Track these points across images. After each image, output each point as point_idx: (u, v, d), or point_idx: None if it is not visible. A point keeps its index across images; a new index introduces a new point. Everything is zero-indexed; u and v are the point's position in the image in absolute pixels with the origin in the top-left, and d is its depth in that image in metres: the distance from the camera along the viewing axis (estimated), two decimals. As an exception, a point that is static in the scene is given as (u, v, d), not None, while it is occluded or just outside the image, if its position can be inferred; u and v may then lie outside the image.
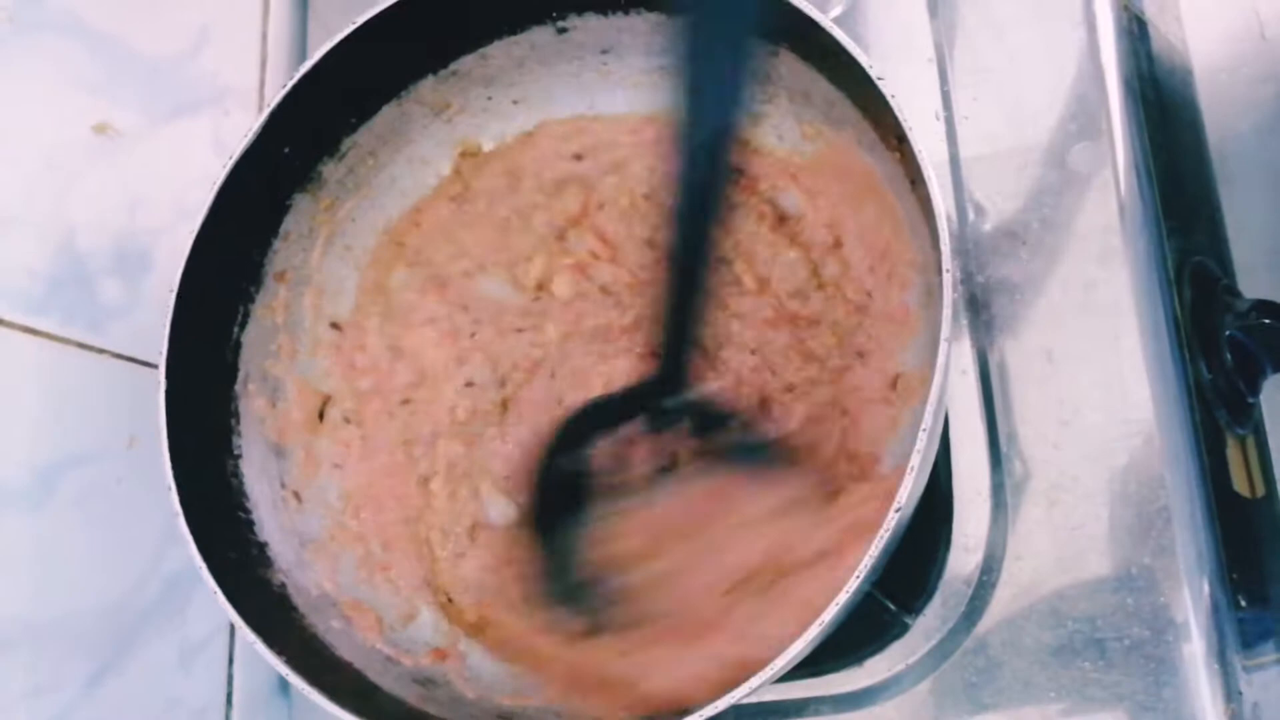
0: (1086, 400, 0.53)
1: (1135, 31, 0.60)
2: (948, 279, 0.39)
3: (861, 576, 0.37)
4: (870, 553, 0.37)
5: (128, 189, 0.57)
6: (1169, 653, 0.49)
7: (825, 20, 0.43)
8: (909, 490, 0.38)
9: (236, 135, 0.64)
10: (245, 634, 0.43)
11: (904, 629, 0.52)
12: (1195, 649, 0.49)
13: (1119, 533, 0.51)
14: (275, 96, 0.48)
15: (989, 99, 0.58)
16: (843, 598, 0.38)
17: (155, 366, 0.52)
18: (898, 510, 0.38)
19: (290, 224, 0.54)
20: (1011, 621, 0.51)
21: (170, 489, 0.45)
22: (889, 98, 0.41)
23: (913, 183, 0.44)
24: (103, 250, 0.55)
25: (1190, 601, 0.50)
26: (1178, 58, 0.65)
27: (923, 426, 0.38)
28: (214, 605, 0.43)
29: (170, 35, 0.62)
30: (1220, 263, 0.62)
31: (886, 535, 0.37)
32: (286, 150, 0.51)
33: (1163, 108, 0.61)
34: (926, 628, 0.52)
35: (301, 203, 0.54)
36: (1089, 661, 0.50)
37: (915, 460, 0.38)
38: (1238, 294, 0.59)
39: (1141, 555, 0.50)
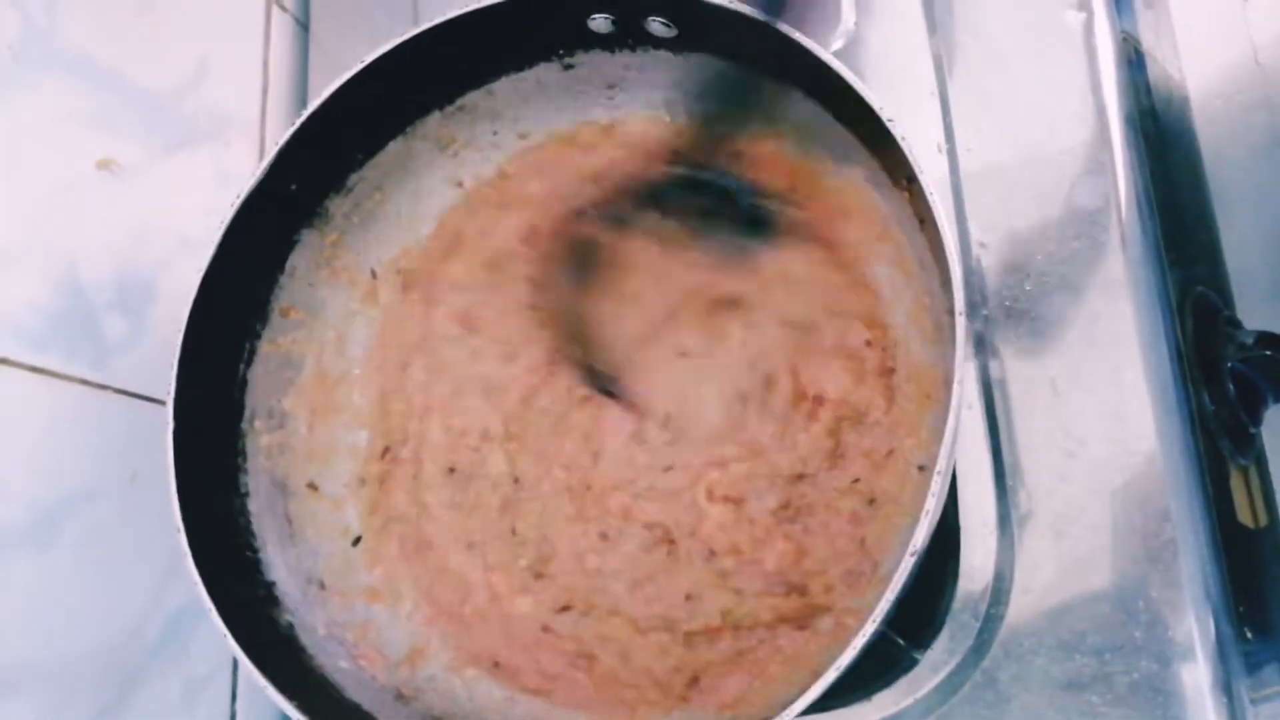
0: (1092, 432, 0.53)
1: (1133, 61, 0.61)
2: (961, 321, 0.39)
3: (878, 621, 0.37)
4: (886, 597, 0.37)
5: (130, 223, 0.57)
6: (1176, 685, 0.49)
7: (834, 61, 0.43)
8: (924, 533, 0.38)
9: (239, 166, 0.65)
10: (255, 678, 0.42)
11: (912, 663, 0.52)
12: (1202, 681, 0.49)
13: (1125, 565, 0.51)
14: (283, 133, 0.48)
15: (991, 131, 0.58)
16: (859, 640, 0.38)
17: (158, 402, 0.52)
18: (914, 555, 0.37)
19: (296, 259, 0.53)
20: (1019, 655, 0.51)
21: (179, 530, 0.44)
22: (899, 139, 0.41)
23: (921, 222, 0.44)
24: (106, 284, 0.55)
25: (1197, 634, 0.49)
26: (1175, 87, 0.66)
27: (937, 470, 0.38)
28: (217, 642, 0.43)
29: (171, 67, 0.62)
30: (1220, 293, 0.62)
31: (902, 580, 0.37)
32: (294, 187, 0.51)
33: (1161, 138, 0.61)
34: (934, 662, 0.51)
35: (308, 238, 0.54)
36: (1097, 695, 0.50)
37: (930, 504, 0.38)
38: (1239, 325, 0.59)
39: (1148, 587, 0.50)
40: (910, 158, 0.41)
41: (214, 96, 0.64)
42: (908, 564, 0.37)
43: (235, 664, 0.59)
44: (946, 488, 0.40)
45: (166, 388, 0.47)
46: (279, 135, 0.66)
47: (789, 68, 0.47)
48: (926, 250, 0.46)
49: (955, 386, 0.39)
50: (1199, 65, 0.68)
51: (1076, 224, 0.56)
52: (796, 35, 0.45)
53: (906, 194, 0.45)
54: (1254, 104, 0.68)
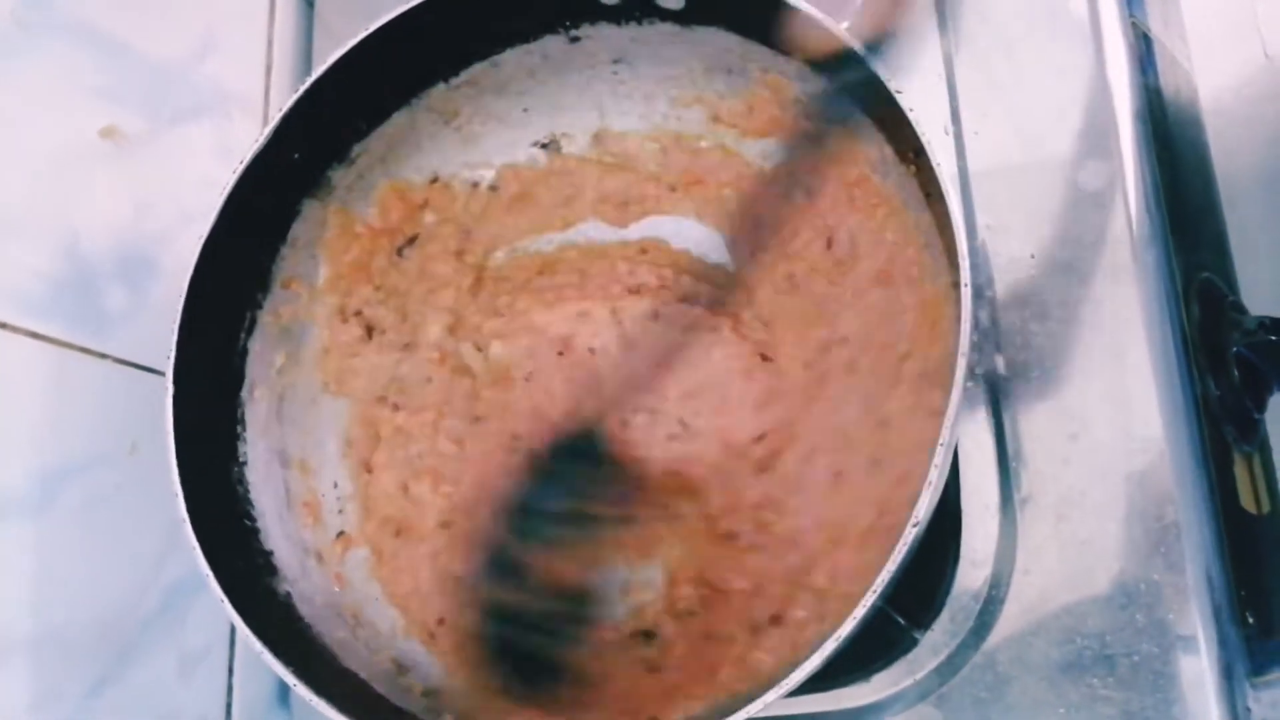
0: (1095, 416, 0.53)
1: (1141, 48, 0.60)
2: (966, 293, 0.39)
3: (878, 592, 0.37)
4: (887, 568, 0.37)
5: (133, 194, 0.57)
6: (1177, 669, 0.49)
7: (844, 33, 0.43)
8: (926, 505, 0.38)
9: (241, 141, 0.64)
10: (252, 644, 0.42)
11: (912, 644, 0.51)
12: (1204, 666, 0.49)
13: (1127, 548, 0.51)
14: (287, 101, 0.48)
15: (998, 114, 0.58)
16: (859, 611, 0.37)
17: (158, 373, 0.52)
18: (915, 525, 0.37)
19: (299, 230, 0.53)
20: (1020, 637, 0.51)
21: (176, 495, 0.44)
22: (907, 111, 0.41)
23: (928, 196, 0.44)
24: (107, 255, 0.55)
25: (1199, 618, 0.49)
26: (1182, 75, 0.66)
27: (940, 441, 0.38)
28: (214, 614, 0.43)
29: (176, 39, 0.61)
30: (1226, 279, 0.62)
31: (904, 550, 0.37)
32: (296, 156, 0.51)
33: (1168, 124, 0.61)
34: (934, 643, 0.51)
35: (310, 209, 0.53)
36: (1097, 678, 0.49)
37: (933, 475, 0.38)
38: (1244, 311, 0.59)
39: (1150, 571, 0.50)
40: (918, 130, 0.41)
41: (218, 70, 0.64)
42: (909, 535, 0.37)
43: (233, 636, 0.59)
44: (949, 460, 0.40)
45: (166, 357, 0.46)
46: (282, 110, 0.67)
47: (797, 41, 0.47)
48: (935, 231, 0.46)
49: (960, 359, 0.39)
50: (1207, 54, 0.67)
51: (1082, 208, 0.55)
52: (806, 8, 0.45)
53: (914, 168, 0.45)
54: (1263, 95, 0.68)
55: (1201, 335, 0.55)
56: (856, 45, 0.43)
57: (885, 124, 0.46)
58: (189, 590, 0.55)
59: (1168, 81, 0.62)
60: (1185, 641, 0.49)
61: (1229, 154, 0.66)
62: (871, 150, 0.48)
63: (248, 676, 0.59)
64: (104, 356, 0.53)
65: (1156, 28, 0.62)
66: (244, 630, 0.42)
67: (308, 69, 0.69)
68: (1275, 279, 0.64)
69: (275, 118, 0.48)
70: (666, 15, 0.50)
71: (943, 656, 0.51)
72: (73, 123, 0.54)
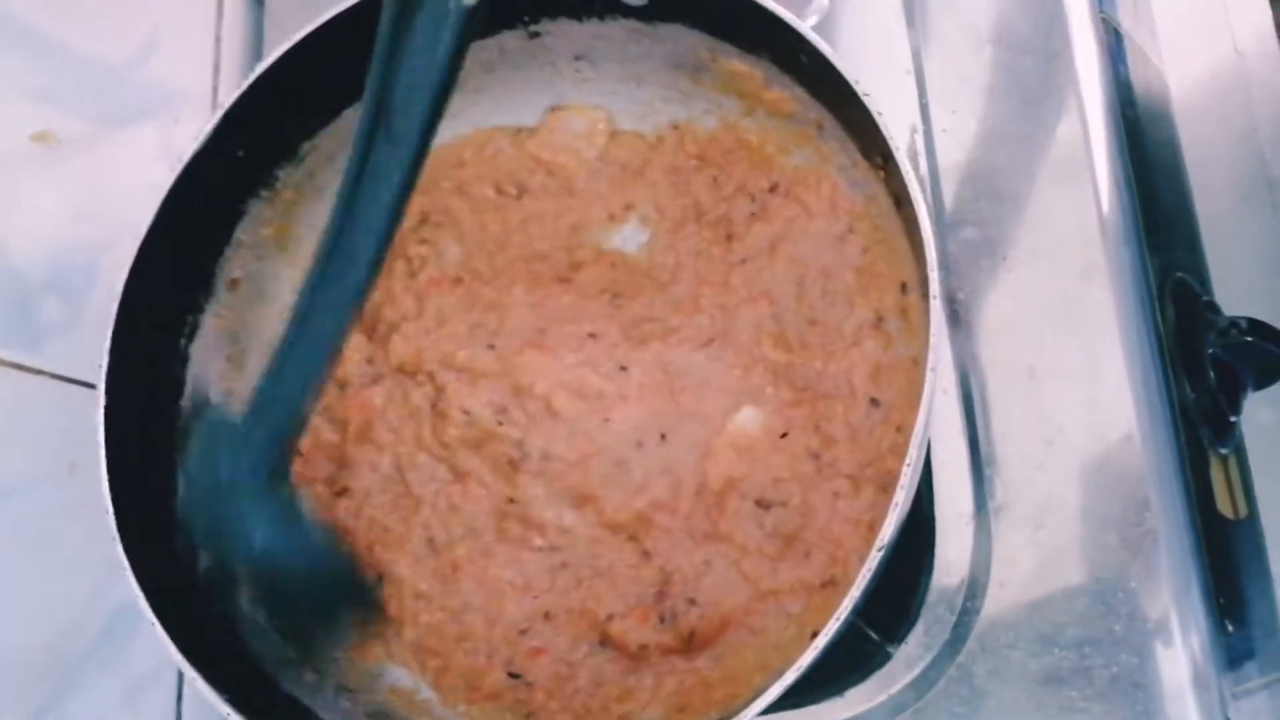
0: (1070, 420, 0.51)
1: (1112, 43, 0.59)
2: (935, 305, 0.38)
3: (841, 619, 0.35)
4: (851, 594, 0.35)
5: (70, 201, 0.55)
6: (1156, 679, 0.48)
7: (809, 31, 0.41)
8: (893, 527, 0.36)
9: (188, 143, 0.62)
10: (187, 671, 0.40)
11: (885, 658, 0.50)
12: (1182, 675, 0.48)
13: (1104, 556, 0.49)
14: (231, 96, 0.46)
15: (967, 112, 0.57)
16: (821, 641, 0.36)
17: (94, 387, 0.49)
18: (880, 550, 0.36)
19: (244, 231, 0.51)
20: (996, 650, 0.50)
21: (108, 512, 0.42)
22: (875, 115, 0.40)
23: (898, 202, 0.43)
24: (41, 266, 0.52)
25: (1177, 627, 0.48)
26: (1153, 71, 0.65)
27: (906, 462, 0.36)
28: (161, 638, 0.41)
29: (118, 39, 0.59)
30: (1199, 279, 0.61)
31: (869, 574, 0.36)
32: (241, 153, 0.48)
33: (1140, 123, 0.60)
34: (909, 656, 0.50)
35: (256, 208, 0.51)
36: (1076, 690, 0.48)
37: (899, 496, 0.36)
38: (1218, 311, 0.58)
39: (1128, 579, 0.49)
40: (886, 134, 0.40)
41: (163, 70, 0.62)
42: (874, 559, 0.35)
43: (179, 660, 0.56)
44: (916, 479, 0.39)
45: (99, 367, 0.44)
46: (232, 111, 0.65)
47: (762, 40, 0.45)
48: (902, 236, 0.45)
49: (928, 373, 0.37)
50: (1178, 51, 0.67)
51: (1055, 206, 0.54)
52: (771, 5, 0.43)
53: (882, 173, 0.44)
54: (1232, 92, 0.67)
55: (1177, 337, 0.54)
56: (823, 44, 0.41)
57: (853, 127, 0.45)
58: (134, 614, 0.52)
59: (1138, 78, 0.61)
60: (1164, 651, 0.48)
61: (1200, 152, 0.65)
62: (839, 153, 0.46)
63: (197, 703, 0.56)
64: (39, 372, 0.51)
65: (1127, 23, 0.61)
66: (178, 659, 0.40)
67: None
68: (1247, 278, 0.63)
69: (218, 113, 0.46)
70: (630, 11, 0.49)
71: (917, 670, 0.50)
72: (4, 127, 0.51)
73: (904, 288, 0.47)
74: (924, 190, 0.55)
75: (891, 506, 0.36)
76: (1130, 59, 0.61)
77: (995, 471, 0.52)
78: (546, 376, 0.49)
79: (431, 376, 0.51)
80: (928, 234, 0.40)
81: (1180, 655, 0.48)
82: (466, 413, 0.50)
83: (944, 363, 0.53)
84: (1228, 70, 0.67)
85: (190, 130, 0.62)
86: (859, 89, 0.40)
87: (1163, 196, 0.60)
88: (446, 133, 0.54)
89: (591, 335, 0.50)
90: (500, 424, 0.50)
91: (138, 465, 0.45)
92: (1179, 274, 0.57)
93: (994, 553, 0.51)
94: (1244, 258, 0.64)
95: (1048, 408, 0.52)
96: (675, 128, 0.54)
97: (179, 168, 0.46)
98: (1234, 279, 0.62)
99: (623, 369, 0.50)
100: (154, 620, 0.40)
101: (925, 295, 0.40)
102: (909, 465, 0.36)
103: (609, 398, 0.49)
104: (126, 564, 0.41)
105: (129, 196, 0.57)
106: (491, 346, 0.51)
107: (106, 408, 0.43)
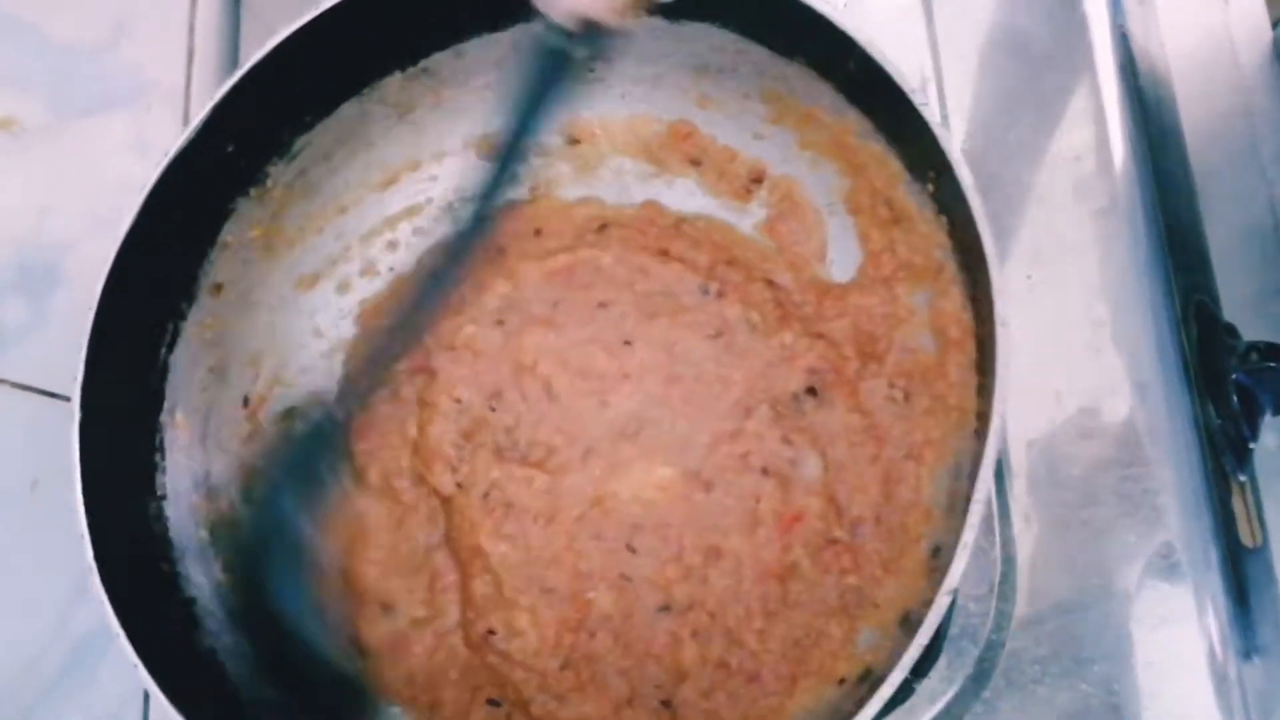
0: (1097, 449, 0.50)
1: (1126, 52, 0.58)
2: (1002, 334, 0.35)
3: (906, 670, 0.33)
4: (917, 642, 0.33)
5: (35, 194, 0.51)
6: (1185, 712, 0.47)
7: (855, 29, 0.39)
8: (961, 568, 0.34)
9: (160, 135, 0.58)
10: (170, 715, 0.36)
11: (908, 693, 0.48)
12: (1211, 707, 0.47)
13: (1132, 589, 0.48)
14: (224, 85, 0.42)
15: (981, 136, 0.55)
16: (886, 691, 0.33)
17: (62, 398, 0.46)
18: (950, 594, 0.34)
19: (230, 232, 0.47)
20: (1022, 684, 0.48)
21: (83, 538, 0.38)
22: (932, 125, 0.37)
23: (951, 221, 0.40)
24: (4, 264, 0.48)
25: (1205, 660, 0.47)
26: (1162, 83, 0.64)
27: (976, 498, 0.34)
28: (127, 671, 0.37)
29: (87, 24, 0.56)
30: (1212, 300, 0.60)
31: (938, 619, 0.33)
32: (230, 149, 0.45)
33: (1154, 138, 0.59)
34: (932, 691, 0.48)
35: (244, 208, 0.48)
36: (1104, 727, 0.46)
37: (968, 536, 0.34)
38: (1237, 335, 0.57)
39: (1155, 612, 0.48)
40: (945, 144, 0.37)
41: (134, 57, 0.58)
42: (943, 604, 0.33)
43: (147, 695, 0.52)
44: (982, 516, 0.36)
45: (72, 380, 0.40)
46: (205, 102, 0.60)
47: (797, 39, 0.43)
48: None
49: (996, 403, 0.35)
50: (1182, 60, 0.66)
51: (1082, 224, 0.53)
52: (812, 2, 0.40)
53: (931, 187, 0.41)
54: (1233, 104, 0.66)
55: (1201, 360, 0.53)
56: (871, 44, 0.39)
57: (898, 138, 0.42)
58: (100, 645, 0.49)
59: (1146, 82, 0.60)
60: (1191, 683, 0.47)
61: (1207, 169, 0.64)
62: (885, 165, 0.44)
63: (163, 737, 0.52)
64: (0, 381, 0.46)
65: (1135, 28, 0.60)
66: (160, 699, 0.36)
67: (234, 56, 0.63)
68: (1257, 298, 0.62)
69: (208, 106, 0.42)
70: (655, 8, 0.45)
71: (941, 705, 0.48)
72: (-37, 111, 0.47)
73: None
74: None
75: (961, 547, 0.34)
76: (1139, 65, 0.60)
77: (1019, 500, 0.50)
78: (550, 355, 0.48)
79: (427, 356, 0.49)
80: (991, 251, 0.38)
81: (1209, 689, 0.47)
82: (458, 400, 0.48)
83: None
84: (1229, 87, 0.66)
85: (163, 121, 0.59)
86: (914, 97, 0.37)
87: (1179, 213, 0.59)
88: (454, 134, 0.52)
89: (602, 304, 0.49)
90: (493, 409, 0.48)
91: (114, 485, 0.41)
92: (1198, 296, 0.56)
93: (1019, 584, 0.49)
94: (1251, 278, 0.63)
95: (1073, 434, 0.50)
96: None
97: (164, 162, 0.42)
98: (1242, 300, 0.61)
99: (627, 343, 0.48)
100: (136, 661, 0.36)
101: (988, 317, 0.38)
102: (978, 501, 0.34)
103: (610, 377, 0.48)
104: (105, 598, 0.37)
105: (96, 191, 0.53)
106: (501, 323, 0.49)
107: (81, 423, 0.39)
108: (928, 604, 0.40)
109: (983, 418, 0.39)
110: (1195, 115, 0.65)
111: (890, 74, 0.38)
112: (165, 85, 0.60)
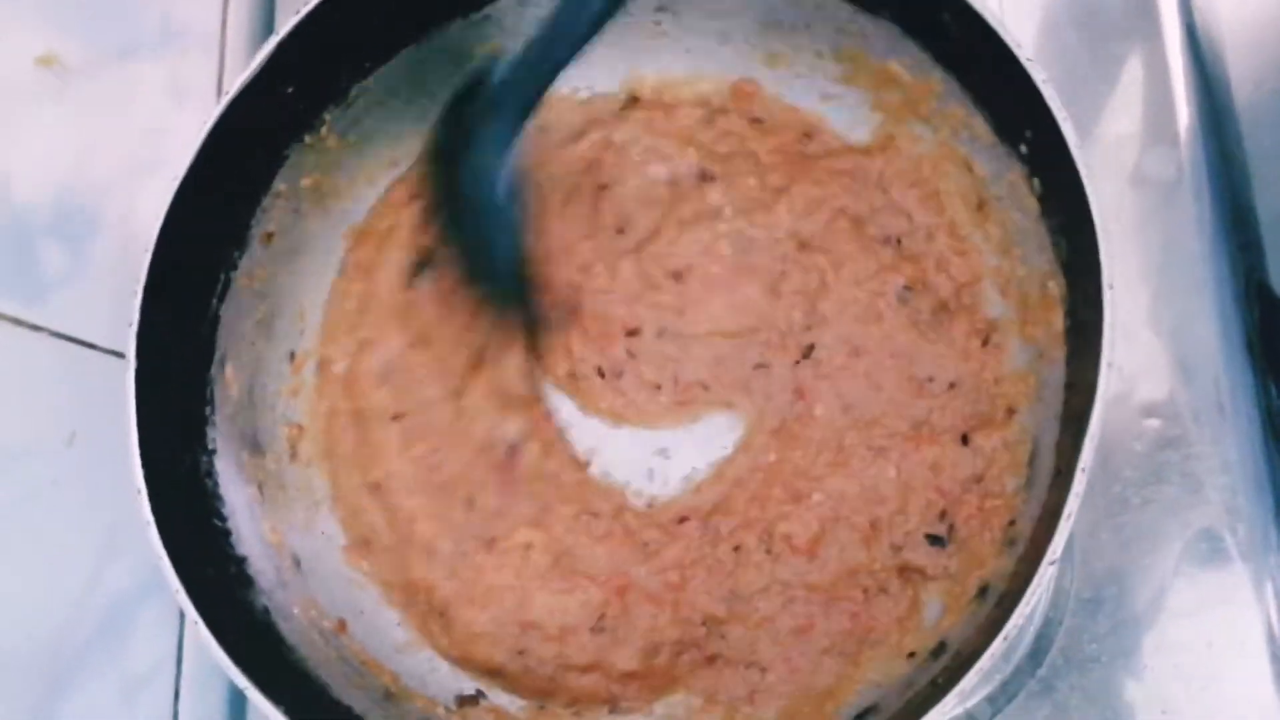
0: (1158, 424, 0.49)
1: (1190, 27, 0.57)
2: (1109, 296, 0.34)
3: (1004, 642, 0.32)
4: (1020, 611, 0.33)
5: (74, 135, 0.49)
6: (1247, 703, 0.46)
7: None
8: (1064, 538, 0.33)
9: (195, 81, 0.56)
10: (239, 680, 0.34)
11: (963, 670, 0.47)
12: (1270, 689, 0.46)
13: (1193, 568, 0.48)
14: (284, 27, 0.40)
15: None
16: (984, 663, 0.33)
17: (100, 349, 0.44)
18: (1052, 563, 0.33)
19: (283, 180, 0.46)
20: (1079, 664, 0.48)
21: (140, 492, 0.37)
22: (1040, 84, 0.36)
23: (1043, 179, 0.39)
24: (43, 206, 0.46)
25: (1264, 641, 0.47)
26: (1220, 61, 0.63)
27: (1080, 466, 0.34)
28: (160, 631, 0.36)
29: (124, -40, 0.53)
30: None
31: (1036, 592, 0.33)
32: (290, 89, 0.43)
33: (1216, 113, 0.58)
34: (987, 669, 0.46)
35: (298, 155, 0.46)
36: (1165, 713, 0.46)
37: (1072, 505, 0.33)
38: (1296, 315, 0.56)
39: (1215, 591, 0.47)
40: (1054, 107, 0.36)
41: (169, 3, 0.56)
42: (1045, 572, 0.32)
43: (179, 659, 0.50)
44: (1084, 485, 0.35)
45: (110, 332, 0.39)
46: (240, 49, 0.58)
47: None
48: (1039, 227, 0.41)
49: (1103, 367, 0.34)
50: (1239, 43, 0.65)
51: (1146, 200, 0.52)
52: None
53: (1025, 149, 0.40)
54: None
55: (1263, 340, 0.52)
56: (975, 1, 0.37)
57: (991, 99, 0.41)
58: (133, 603, 0.47)
59: (1210, 61, 0.59)
60: (1251, 665, 0.46)
61: (1260, 150, 0.63)
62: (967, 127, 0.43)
63: (195, 703, 0.51)
64: (38, 329, 0.45)
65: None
66: (224, 661, 0.35)
67: (270, 4, 0.61)
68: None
69: (269, 43, 0.40)
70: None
71: (996, 683, 0.48)
72: (6, 49, 0.45)
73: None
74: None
75: (1064, 517, 0.33)
76: (1204, 46, 0.59)
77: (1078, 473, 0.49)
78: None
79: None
80: (1100, 225, 0.36)
81: (1266, 669, 0.46)
82: None
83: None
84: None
85: (198, 67, 0.57)
86: (1020, 53, 0.36)
87: (1237, 192, 0.58)
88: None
89: None
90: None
91: (164, 438, 0.39)
92: (1258, 274, 0.55)
93: (1078, 562, 0.48)
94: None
95: (1134, 412, 0.49)
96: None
97: (224, 101, 0.40)
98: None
99: None
100: (197, 618, 0.35)
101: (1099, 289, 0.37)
102: (1082, 469, 0.33)
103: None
104: (164, 554, 0.35)
105: (134, 135, 0.51)
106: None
107: (136, 372, 0.37)
108: (1005, 576, 0.40)
109: (1073, 388, 0.38)
110: (1249, 95, 0.64)
111: (994, 28, 0.36)
112: (200, 31, 0.58)
